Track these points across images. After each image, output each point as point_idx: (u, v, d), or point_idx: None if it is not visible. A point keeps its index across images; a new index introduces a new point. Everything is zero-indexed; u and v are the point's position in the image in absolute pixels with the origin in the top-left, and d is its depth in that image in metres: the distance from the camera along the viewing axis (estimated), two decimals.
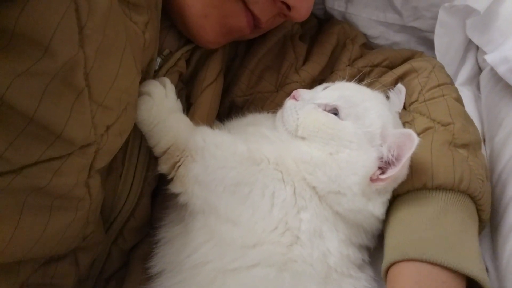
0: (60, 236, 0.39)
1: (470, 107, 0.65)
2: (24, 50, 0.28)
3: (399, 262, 0.43)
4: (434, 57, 0.67)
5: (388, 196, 0.47)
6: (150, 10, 0.45)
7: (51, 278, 0.44)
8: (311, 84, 0.63)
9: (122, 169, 0.48)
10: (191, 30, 0.53)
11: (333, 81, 0.58)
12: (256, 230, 0.44)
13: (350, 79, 0.56)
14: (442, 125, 0.51)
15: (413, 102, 0.56)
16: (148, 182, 0.51)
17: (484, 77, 0.66)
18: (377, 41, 0.75)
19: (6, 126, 0.30)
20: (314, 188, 0.46)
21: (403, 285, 0.41)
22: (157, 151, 0.48)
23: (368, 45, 0.73)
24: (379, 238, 0.50)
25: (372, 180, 0.45)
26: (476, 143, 0.51)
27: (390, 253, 0.44)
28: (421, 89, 0.56)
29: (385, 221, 0.48)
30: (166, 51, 0.54)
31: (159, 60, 0.52)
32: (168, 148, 0.47)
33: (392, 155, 0.45)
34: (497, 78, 0.61)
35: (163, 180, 0.50)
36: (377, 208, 0.46)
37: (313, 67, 0.63)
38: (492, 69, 0.62)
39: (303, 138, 0.48)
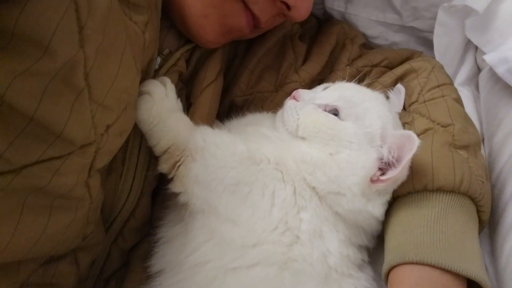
0: (60, 236, 0.39)
1: (469, 107, 0.65)
2: (24, 50, 0.28)
3: (400, 265, 0.43)
4: (433, 57, 0.67)
5: (388, 197, 0.47)
6: (150, 10, 0.45)
7: (51, 278, 0.44)
8: (311, 84, 0.63)
9: (122, 169, 0.48)
10: (191, 30, 0.53)
11: (333, 81, 0.58)
12: (256, 230, 0.44)
13: (349, 79, 0.56)
14: (442, 126, 0.51)
15: (413, 103, 0.56)
16: (148, 182, 0.51)
17: (483, 77, 0.66)
18: (376, 41, 0.75)
19: (6, 126, 0.30)
20: (314, 188, 0.46)
21: None
22: (157, 150, 0.48)
23: (367, 45, 0.73)
24: (379, 238, 0.50)
25: (372, 181, 0.45)
26: (476, 144, 0.51)
27: (390, 256, 0.44)
28: (421, 90, 0.56)
29: (385, 223, 0.48)
30: (166, 51, 0.54)
31: (159, 59, 0.52)
32: (168, 148, 0.47)
33: (393, 156, 0.45)
34: (496, 78, 0.61)
35: (163, 180, 0.50)
36: (377, 209, 0.46)
37: (313, 67, 0.63)
38: (491, 69, 0.62)
39: (303, 138, 0.48)
